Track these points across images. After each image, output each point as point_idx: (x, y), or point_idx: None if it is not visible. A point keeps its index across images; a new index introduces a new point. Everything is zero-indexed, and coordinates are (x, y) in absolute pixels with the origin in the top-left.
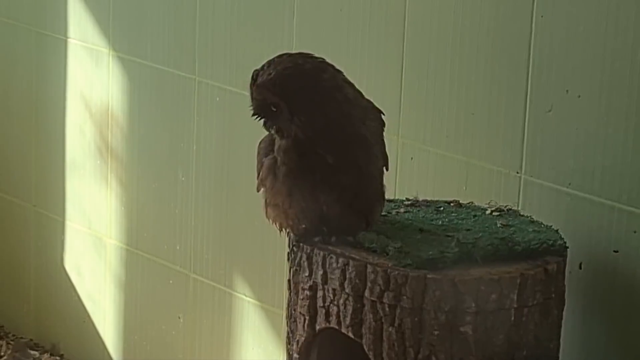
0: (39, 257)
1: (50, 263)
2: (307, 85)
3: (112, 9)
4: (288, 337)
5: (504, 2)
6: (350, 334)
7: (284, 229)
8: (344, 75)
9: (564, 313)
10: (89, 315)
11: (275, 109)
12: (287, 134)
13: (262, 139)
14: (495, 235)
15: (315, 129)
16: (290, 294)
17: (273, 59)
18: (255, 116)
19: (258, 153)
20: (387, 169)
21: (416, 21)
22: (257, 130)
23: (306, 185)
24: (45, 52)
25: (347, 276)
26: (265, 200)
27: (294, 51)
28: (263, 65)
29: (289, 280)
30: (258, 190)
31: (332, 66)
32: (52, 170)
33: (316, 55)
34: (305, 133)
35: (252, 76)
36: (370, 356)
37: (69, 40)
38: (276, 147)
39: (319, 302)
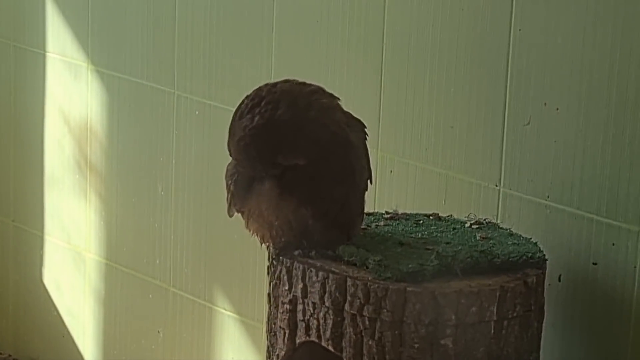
0: (18, 272)
1: (29, 278)
2: (288, 137)
3: (91, 23)
4: (268, 351)
5: (482, 16)
6: (330, 348)
7: (265, 242)
8: (328, 98)
9: (543, 325)
10: (68, 330)
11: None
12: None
13: (230, 162)
14: (474, 248)
15: (308, 157)
16: (270, 308)
17: (249, 104)
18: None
19: (225, 176)
20: (371, 182)
21: (395, 34)
22: None
23: (296, 199)
24: (23, 66)
25: (327, 289)
26: (249, 211)
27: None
28: (241, 111)
29: (268, 294)
30: (230, 215)
31: (318, 94)
32: (30, 185)
33: (296, 83)
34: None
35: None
36: None
37: (47, 54)
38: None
39: (299, 316)
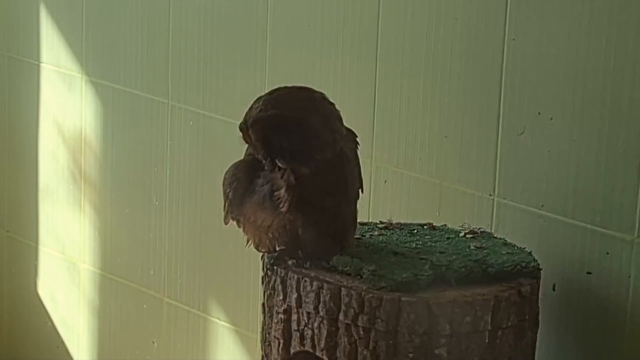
0: (12, 283)
1: (23, 288)
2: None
3: (85, 34)
4: None
5: (475, 25)
6: (325, 357)
7: (261, 247)
8: (327, 105)
9: (538, 335)
10: (62, 341)
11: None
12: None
13: (227, 170)
14: (468, 257)
15: (311, 155)
16: (264, 318)
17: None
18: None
19: (223, 184)
20: (362, 191)
21: (389, 44)
22: (231, 154)
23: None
24: (17, 76)
25: (322, 299)
26: (245, 215)
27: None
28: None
29: (263, 304)
30: (226, 223)
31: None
32: (25, 196)
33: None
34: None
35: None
36: None
37: (41, 64)
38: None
39: (294, 326)
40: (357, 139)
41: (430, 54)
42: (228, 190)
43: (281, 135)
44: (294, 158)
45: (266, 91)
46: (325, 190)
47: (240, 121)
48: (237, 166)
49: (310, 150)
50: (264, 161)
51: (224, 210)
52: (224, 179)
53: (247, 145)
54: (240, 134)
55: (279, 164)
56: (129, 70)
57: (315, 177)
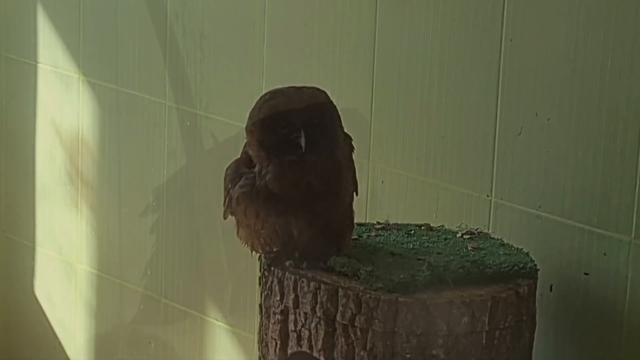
0: (9, 283)
1: (20, 289)
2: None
3: (82, 34)
4: None
5: (473, 26)
6: (322, 358)
7: (255, 251)
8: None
9: (535, 336)
10: (59, 341)
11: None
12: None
13: (229, 166)
14: (466, 258)
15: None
16: (261, 318)
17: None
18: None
19: (225, 179)
20: (356, 194)
21: (386, 45)
22: (228, 155)
23: (280, 208)
24: (15, 77)
25: (319, 300)
26: (238, 221)
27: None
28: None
29: (260, 305)
30: (225, 218)
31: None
32: (22, 196)
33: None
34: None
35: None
36: None
37: (38, 65)
38: (260, 169)
39: (291, 326)
40: (352, 142)
41: (427, 55)
42: (229, 186)
43: (312, 117)
44: (312, 149)
45: (263, 92)
46: (315, 197)
47: (249, 115)
48: (238, 162)
49: (329, 149)
50: (279, 135)
51: (224, 205)
52: (226, 174)
53: (243, 146)
54: (249, 124)
55: (300, 142)
56: (126, 70)
57: (305, 185)
